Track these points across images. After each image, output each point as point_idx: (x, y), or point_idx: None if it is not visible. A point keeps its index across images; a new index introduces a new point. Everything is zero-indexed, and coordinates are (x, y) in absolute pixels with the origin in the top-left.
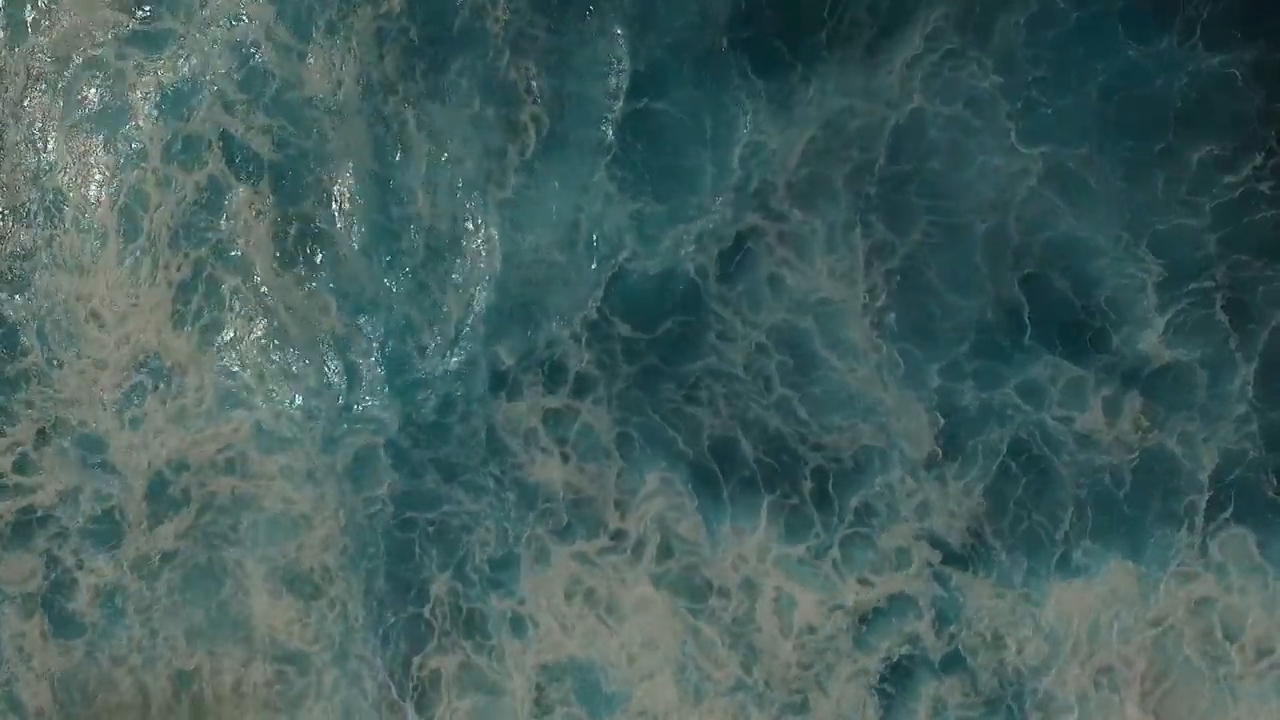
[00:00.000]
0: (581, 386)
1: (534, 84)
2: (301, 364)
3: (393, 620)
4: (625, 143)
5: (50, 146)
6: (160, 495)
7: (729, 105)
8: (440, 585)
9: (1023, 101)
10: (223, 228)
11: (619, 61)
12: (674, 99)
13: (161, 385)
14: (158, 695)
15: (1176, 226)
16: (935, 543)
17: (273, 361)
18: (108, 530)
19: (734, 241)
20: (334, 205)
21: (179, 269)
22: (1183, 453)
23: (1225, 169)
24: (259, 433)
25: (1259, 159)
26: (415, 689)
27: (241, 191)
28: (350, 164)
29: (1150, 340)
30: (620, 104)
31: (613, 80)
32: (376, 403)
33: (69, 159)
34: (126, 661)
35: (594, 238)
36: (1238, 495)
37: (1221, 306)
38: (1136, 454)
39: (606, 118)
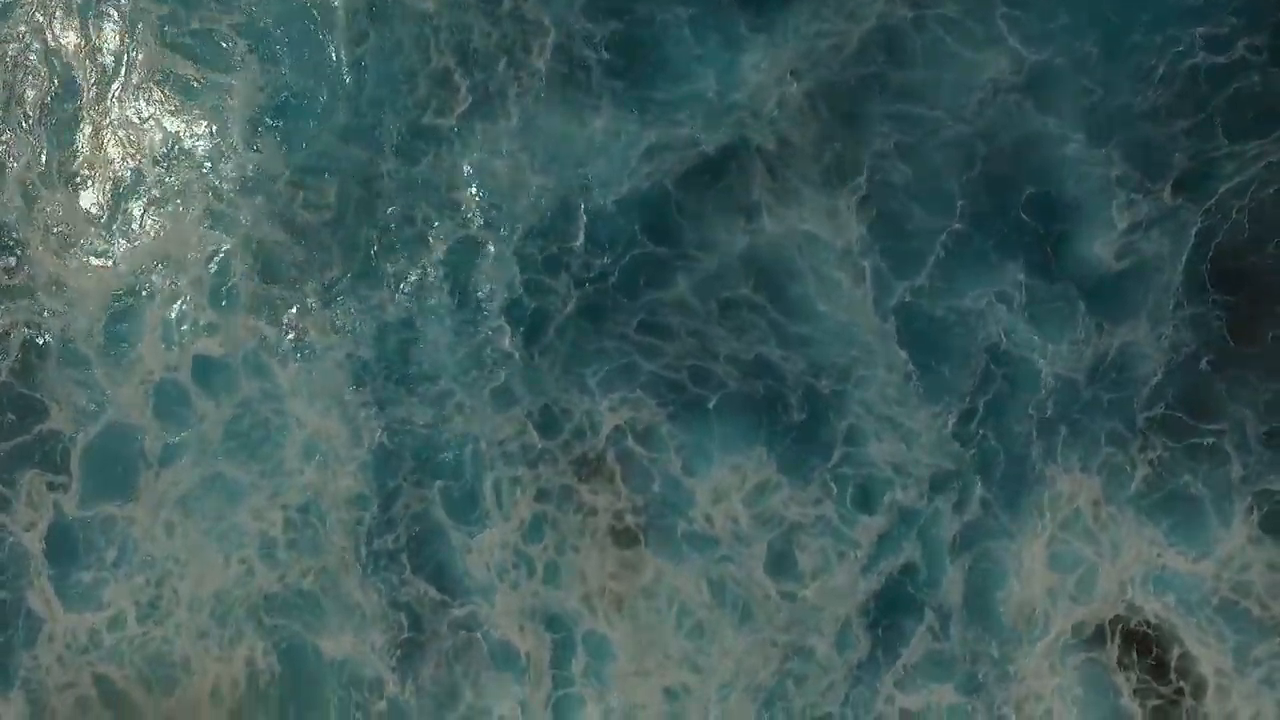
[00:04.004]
0: (558, 318)
1: None
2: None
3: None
4: (603, 59)
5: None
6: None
7: (714, 25)
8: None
9: None
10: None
11: None
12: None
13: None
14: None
15: (1152, 104)
16: (916, 471)
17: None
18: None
19: (719, 166)
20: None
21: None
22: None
23: (1218, 44)
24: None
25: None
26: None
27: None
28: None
29: (1111, 242)
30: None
31: None
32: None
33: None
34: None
35: (572, 156)
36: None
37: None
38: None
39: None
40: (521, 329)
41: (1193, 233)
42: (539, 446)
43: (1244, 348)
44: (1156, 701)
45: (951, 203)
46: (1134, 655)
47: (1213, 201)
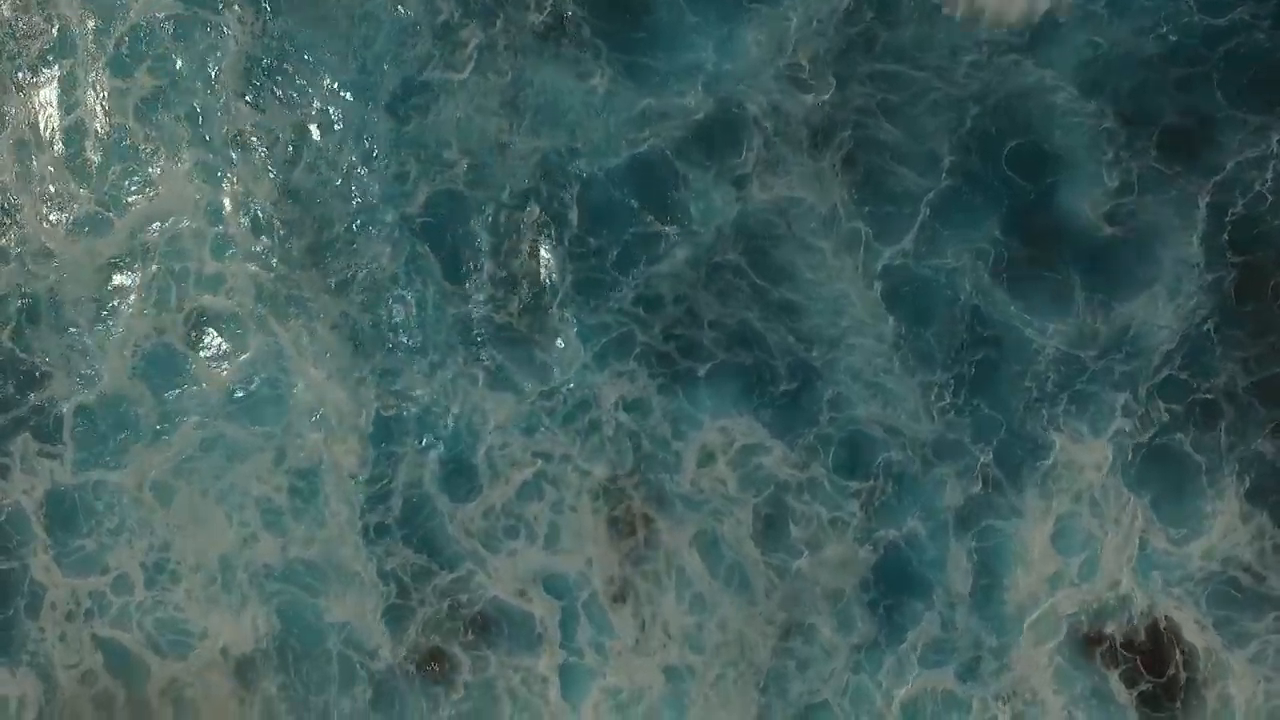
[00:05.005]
0: (554, 288)
1: None
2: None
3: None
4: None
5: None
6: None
7: None
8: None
9: None
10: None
11: None
12: None
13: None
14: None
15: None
16: (910, 435)
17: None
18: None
19: (713, 135)
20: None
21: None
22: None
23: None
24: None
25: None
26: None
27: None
28: None
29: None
30: None
31: None
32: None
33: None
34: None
35: (568, 122)
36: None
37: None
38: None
39: None
40: (516, 298)
41: (1203, 205)
42: (532, 415)
43: (1243, 306)
44: (1144, 687)
45: (939, 163)
46: (1125, 638)
47: (1224, 175)
